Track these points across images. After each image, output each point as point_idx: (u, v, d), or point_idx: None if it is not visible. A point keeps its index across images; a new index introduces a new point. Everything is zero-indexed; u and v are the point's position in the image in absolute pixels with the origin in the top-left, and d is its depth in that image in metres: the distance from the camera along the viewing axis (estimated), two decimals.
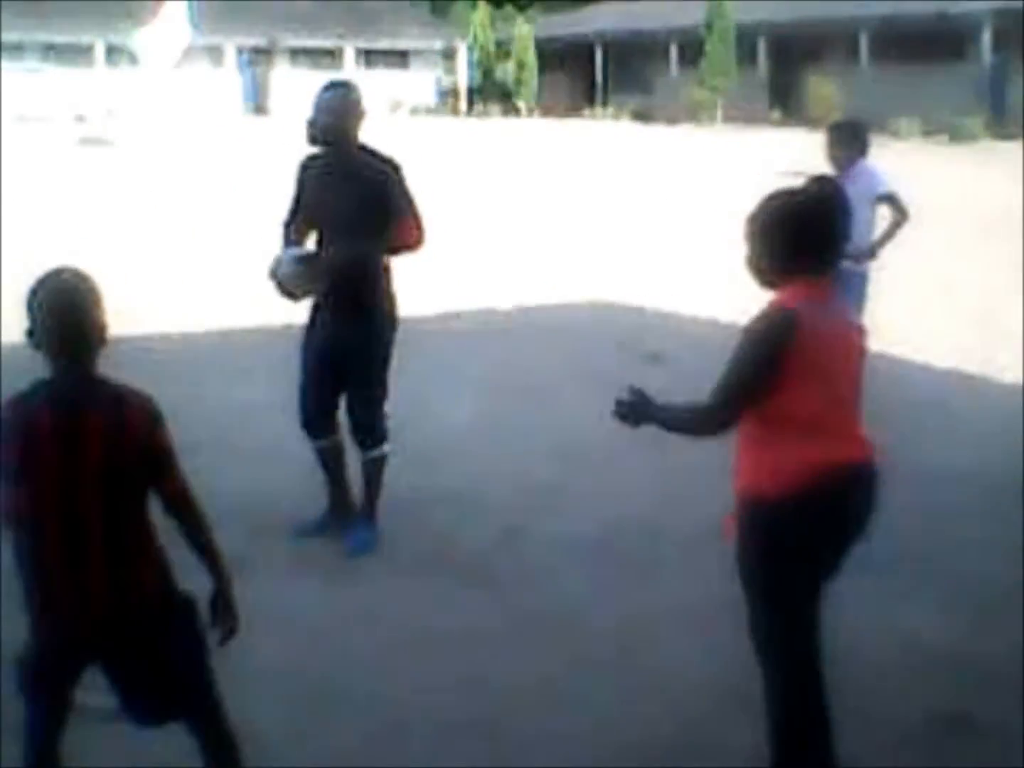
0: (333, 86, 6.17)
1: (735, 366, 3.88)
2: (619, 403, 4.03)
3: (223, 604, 3.52)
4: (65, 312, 3.31)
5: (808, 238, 3.91)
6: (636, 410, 4.04)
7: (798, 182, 4.07)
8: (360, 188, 5.89)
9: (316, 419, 6.21)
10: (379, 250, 6.00)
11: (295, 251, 6.04)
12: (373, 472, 6.20)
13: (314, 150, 6.10)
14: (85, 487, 3.30)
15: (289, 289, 5.99)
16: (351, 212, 5.85)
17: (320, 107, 5.96)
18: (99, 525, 3.34)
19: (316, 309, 6.15)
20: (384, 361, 6.13)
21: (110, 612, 3.38)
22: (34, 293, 3.35)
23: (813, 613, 4.05)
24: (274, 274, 5.95)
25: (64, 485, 3.30)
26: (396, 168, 5.98)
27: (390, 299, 6.15)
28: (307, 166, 6.14)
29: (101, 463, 3.29)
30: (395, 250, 6.07)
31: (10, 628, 3.74)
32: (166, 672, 3.49)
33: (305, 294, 6.05)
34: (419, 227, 6.03)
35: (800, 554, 3.92)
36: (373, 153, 6.07)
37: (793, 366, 3.80)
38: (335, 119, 5.94)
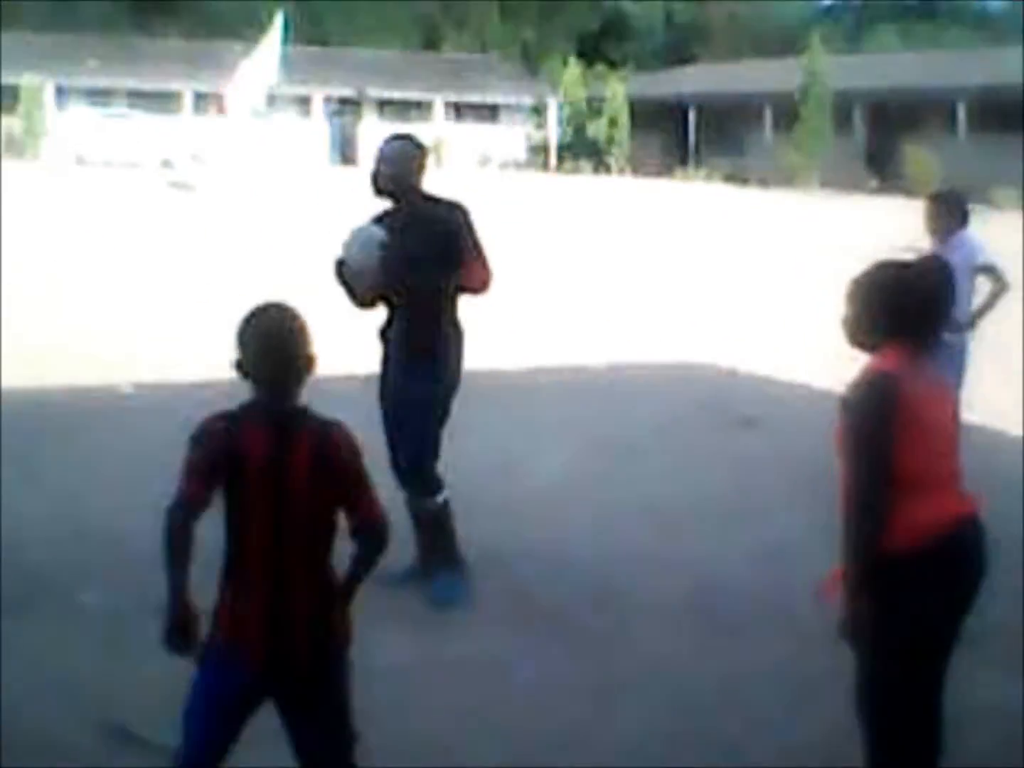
0: (395, 138, 6.30)
1: (855, 445, 3.88)
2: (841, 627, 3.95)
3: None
4: (278, 343, 3.52)
5: (912, 306, 3.95)
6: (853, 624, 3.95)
7: (895, 250, 4.10)
8: (426, 234, 5.95)
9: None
10: (446, 289, 6.03)
11: (374, 230, 5.99)
12: (436, 521, 6.16)
13: (387, 205, 6.18)
14: (290, 509, 3.49)
15: (354, 277, 5.93)
16: (419, 258, 5.88)
17: (382, 158, 6.09)
18: (302, 551, 3.52)
19: (386, 360, 6.18)
20: (441, 413, 6.14)
21: (304, 646, 3.53)
22: (246, 325, 3.54)
23: (933, 676, 4.00)
24: (344, 260, 5.93)
25: (271, 505, 3.49)
26: (463, 212, 6.07)
27: (456, 353, 6.18)
28: (378, 219, 6.21)
29: (308, 486, 3.49)
30: (462, 290, 6.09)
31: None
32: (331, 708, 3.61)
33: (366, 294, 6.00)
34: (486, 270, 6.08)
35: (919, 610, 3.89)
36: (437, 200, 6.17)
37: (899, 427, 3.83)
38: (396, 170, 6.06)
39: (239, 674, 3.53)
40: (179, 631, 3.50)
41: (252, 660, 3.52)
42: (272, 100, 41.60)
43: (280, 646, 3.51)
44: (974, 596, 4.03)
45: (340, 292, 6.06)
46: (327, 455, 3.51)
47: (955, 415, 4.14)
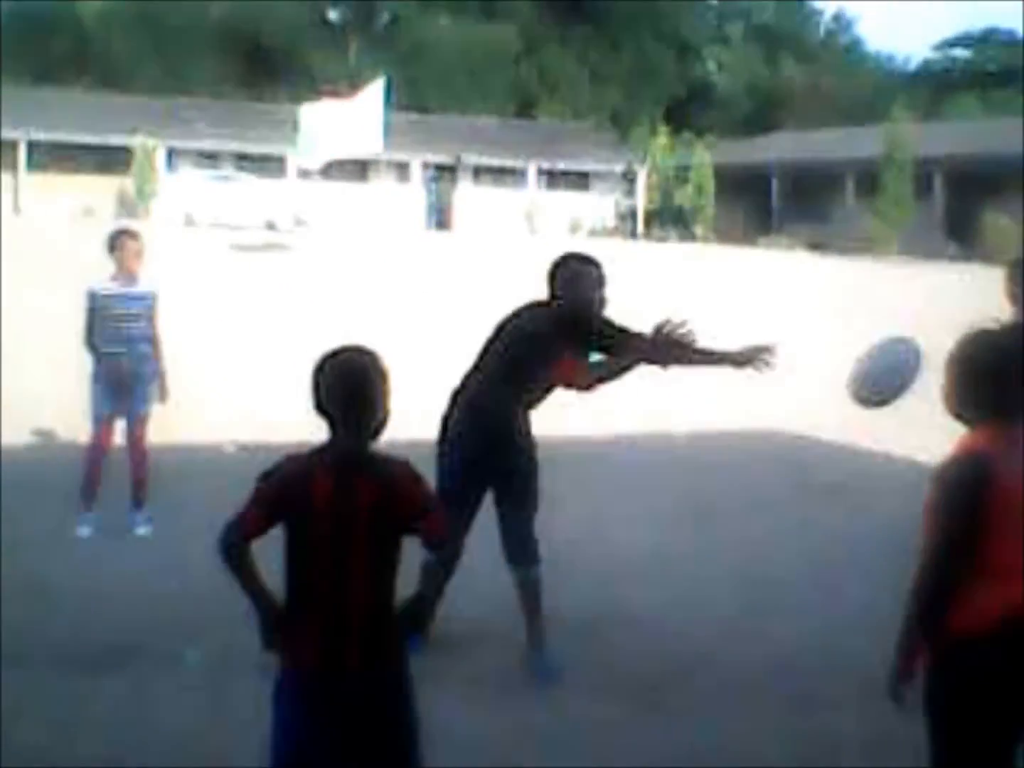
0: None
1: (933, 524, 3.85)
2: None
3: (412, 611, 3.85)
4: (360, 381, 3.68)
5: (1002, 382, 3.88)
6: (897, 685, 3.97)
7: (978, 318, 4.11)
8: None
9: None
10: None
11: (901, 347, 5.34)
12: (536, 591, 6.27)
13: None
14: (353, 553, 3.66)
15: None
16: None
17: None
18: (363, 592, 3.68)
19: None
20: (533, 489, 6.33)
21: (364, 677, 3.69)
22: (321, 367, 3.72)
23: (1005, 761, 3.92)
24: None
25: (333, 549, 3.66)
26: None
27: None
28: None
29: (369, 529, 3.66)
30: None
31: None
32: (395, 748, 3.75)
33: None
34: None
35: (994, 698, 3.83)
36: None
37: (990, 510, 3.76)
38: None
39: (304, 705, 3.66)
40: (273, 631, 3.72)
41: (312, 692, 3.66)
42: (374, 166, 41.81)
43: (336, 686, 3.65)
44: None
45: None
46: (391, 496, 3.66)
47: None
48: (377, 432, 3.73)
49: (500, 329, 6.26)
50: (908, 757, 4.27)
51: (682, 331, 6.06)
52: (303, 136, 33.07)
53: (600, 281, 6.23)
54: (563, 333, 6.08)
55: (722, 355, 6.48)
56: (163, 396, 8.51)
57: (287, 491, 3.66)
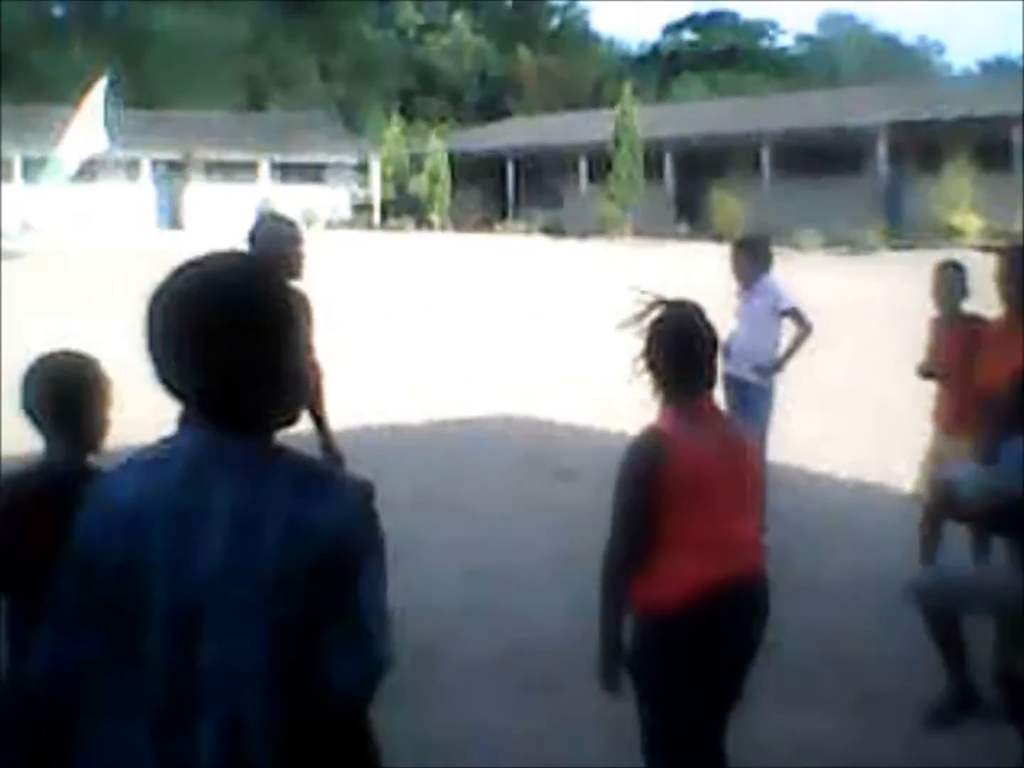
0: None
1: (617, 497, 3.93)
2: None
3: None
4: (68, 390, 3.42)
5: (672, 362, 3.96)
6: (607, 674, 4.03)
7: (701, 295, 4.22)
8: None
9: None
10: None
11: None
12: None
13: None
14: None
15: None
16: None
17: None
18: None
19: None
20: None
21: None
22: (33, 370, 3.47)
23: (707, 736, 4.03)
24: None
25: None
26: None
27: None
28: None
29: None
30: None
31: None
32: None
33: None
34: None
35: (689, 672, 3.91)
36: None
37: (669, 487, 3.83)
38: None
39: None
40: None
41: None
42: (102, 165, 40.79)
43: None
44: (748, 652, 4.03)
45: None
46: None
47: (752, 465, 4.10)
48: (93, 445, 3.44)
49: None
50: (625, 731, 4.26)
51: None
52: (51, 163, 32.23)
53: (295, 239, 6.21)
54: None
55: None
56: None
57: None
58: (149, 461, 2.33)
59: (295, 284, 6.19)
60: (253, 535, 2.21)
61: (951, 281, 7.35)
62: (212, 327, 2.21)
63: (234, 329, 2.22)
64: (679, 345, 3.98)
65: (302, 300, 6.45)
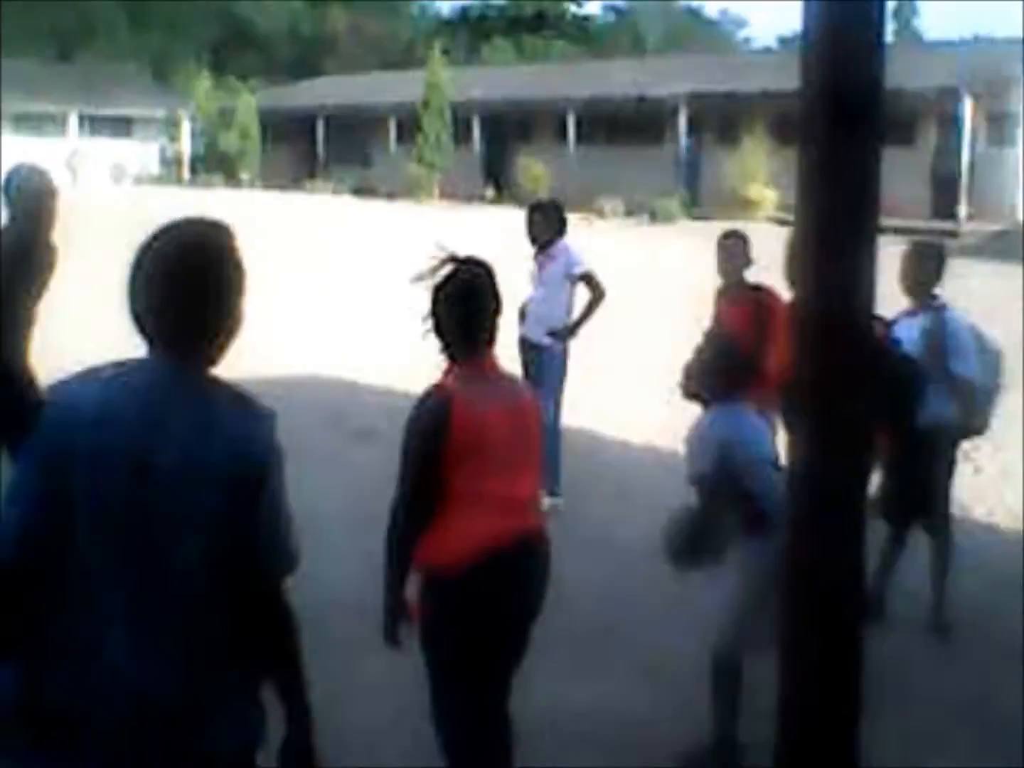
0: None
1: (403, 456, 3.98)
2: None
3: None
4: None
5: (454, 321, 4.02)
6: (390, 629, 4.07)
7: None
8: None
9: None
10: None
11: None
12: None
13: None
14: None
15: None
16: None
17: None
18: None
19: None
20: None
21: None
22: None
23: (491, 692, 4.09)
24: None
25: None
26: None
27: None
28: None
29: None
30: None
31: None
32: None
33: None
34: None
35: (470, 627, 3.95)
36: None
37: (453, 444, 3.88)
38: None
39: None
40: None
41: None
42: None
43: None
44: (531, 610, 4.09)
45: None
46: None
47: (530, 429, 4.11)
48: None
49: None
50: (418, 689, 4.31)
51: None
52: None
53: (52, 192, 6.44)
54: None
55: None
56: None
57: None
58: (109, 377, 2.76)
59: (50, 236, 6.30)
60: (205, 444, 2.70)
61: (734, 251, 7.61)
62: (175, 278, 2.77)
63: (192, 281, 2.79)
64: (461, 304, 4.03)
65: (53, 252, 6.61)
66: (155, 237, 2.83)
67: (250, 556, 2.76)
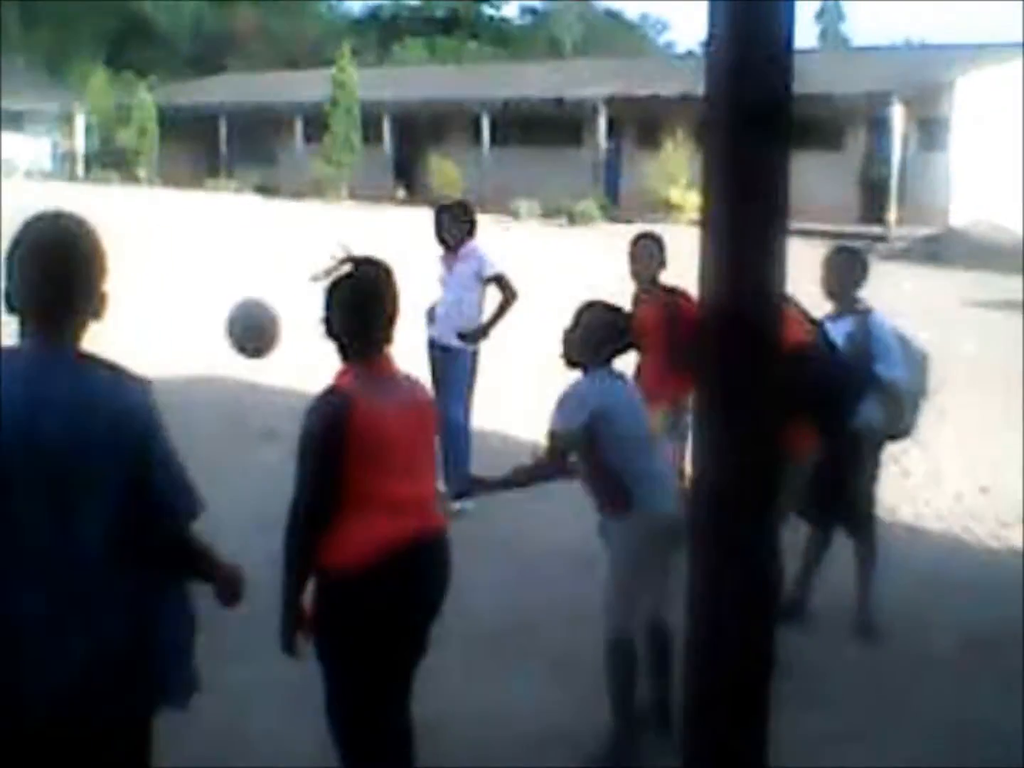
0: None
1: (300, 458, 3.94)
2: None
3: None
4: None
5: (348, 321, 4.00)
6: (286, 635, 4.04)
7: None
8: None
9: None
10: None
11: None
12: None
13: None
14: None
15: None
16: None
17: None
18: None
19: None
20: None
21: None
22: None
23: (389, 693, 4.06)
24: None
25: None
26: None
27: None
28: None
29: None
30: None
31: None
32: None
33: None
34: None
35: (369, 629, 3.92)
36: None
37: (351, 445, 3.85)
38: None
39: None
40: None
41: None
42: None
43: None
44: (429, 610, 4.09)
45: None
46: None
47: (426, 429, 4.12)
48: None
49: None
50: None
51: None
52: None
53: None
54: None
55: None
56: None
57: None
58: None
59: None
60: (90, 417, 2.99)
61: (647, 252, 7.61)
62: (50, 262, 3.08)
63: (63, 263, 3.08)
64: (356, 304, 4.01)
65: None
66: (24, 227, 3.12)
67: (154, 509, 3.11)
